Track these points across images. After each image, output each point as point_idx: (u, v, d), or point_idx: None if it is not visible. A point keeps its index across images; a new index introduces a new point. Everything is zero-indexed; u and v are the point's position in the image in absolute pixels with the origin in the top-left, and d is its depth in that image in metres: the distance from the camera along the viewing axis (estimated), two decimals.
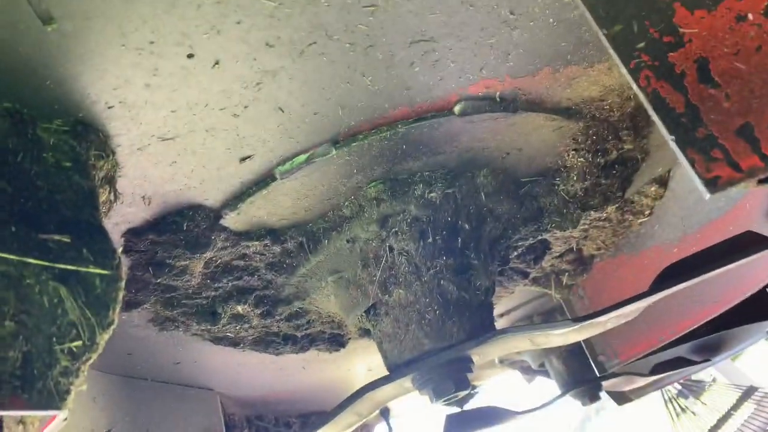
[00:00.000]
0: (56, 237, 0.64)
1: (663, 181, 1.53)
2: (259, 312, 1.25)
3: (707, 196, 0.53)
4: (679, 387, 4.83)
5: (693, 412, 4.68)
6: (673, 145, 0.54)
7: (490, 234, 1.24)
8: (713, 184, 0.53)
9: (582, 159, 1.22)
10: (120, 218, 0.90)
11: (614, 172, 1.30)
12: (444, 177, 1.09)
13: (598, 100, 1.10)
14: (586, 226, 1.48)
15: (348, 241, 1.13)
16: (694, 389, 4.89)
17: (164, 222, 0.94)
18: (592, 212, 1.36)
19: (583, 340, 1.76)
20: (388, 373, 1.22)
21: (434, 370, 1.17)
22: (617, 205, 1.40)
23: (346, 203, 1.08)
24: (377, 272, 1.15)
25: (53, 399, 0.63)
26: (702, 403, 4.65)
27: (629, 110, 1.15)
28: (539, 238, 1.42)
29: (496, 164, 1.15)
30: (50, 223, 0.65)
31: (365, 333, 1.33)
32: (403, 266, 1.14)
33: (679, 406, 4.62)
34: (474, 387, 2.93)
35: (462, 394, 1.19)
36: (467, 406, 2.97)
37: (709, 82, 0.55)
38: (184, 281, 1.07)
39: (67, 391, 0.65)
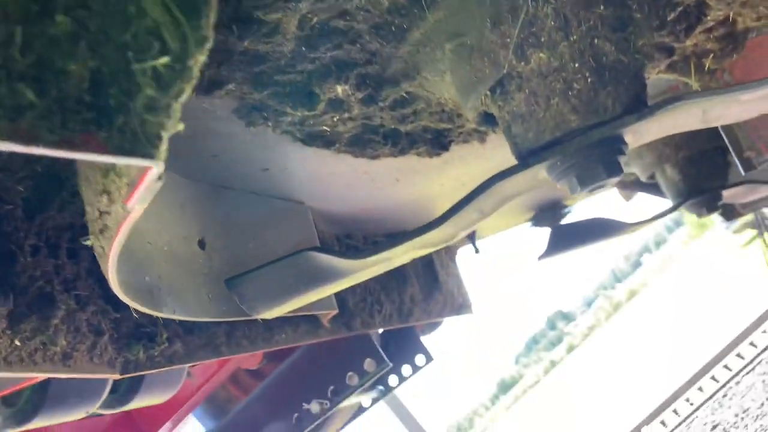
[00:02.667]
0: None
1: None
2: (361, 96, 1.04)
3: None
4: None
5: None
6: None
7: None
8: None
9: None
10: None
11: None
12: None
13: None
14: None
15: None
16: None
17: None
18: None
19: (727, 135, 1.49)
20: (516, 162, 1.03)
21: (579, 153, 0.96)
22: None
23: None
24: (514, 30, 0.90)
25: (139, 141, 0.45)
26: None
27: None
28: None
29: None
30: None
31: (485, 121, 1.11)
32: (548, 20, 0.88)
33: None
34: (566, 207, 2.76)
35: (613, 181, 0.99)
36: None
37: None
38: (276, 45, 0.85)
39: (158, 135, 0.46)
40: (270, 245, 1.43)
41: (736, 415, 3.57)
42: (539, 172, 1.01)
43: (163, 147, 0.47)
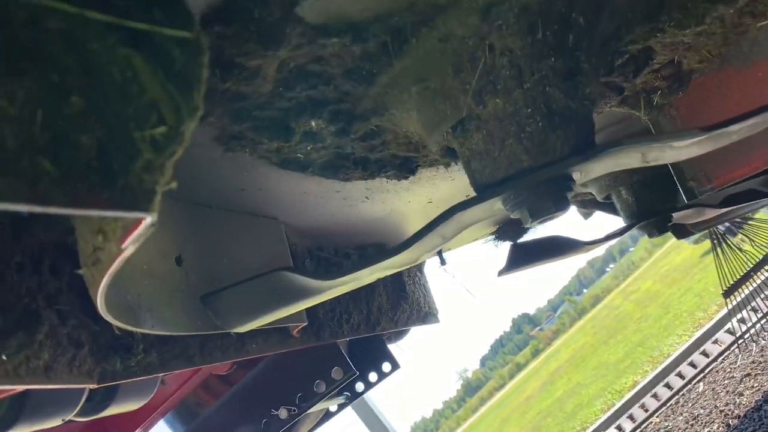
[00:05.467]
0: None
1: None
2: (333, 129, 1.12)
3: None
4: (728, 224, 4.76)
5: (739, 249, 4.64)
6: None
7: (603, 33, 1.05)
8: None
9: None
10: None
11: None
12: None
13: None
14: (703, 27, 1.26)
15: (440, 40, 0.96)
16: (742, 225, 4.80)
17: (232, 7, 0.78)
18: (719, 6, 1.14)
19: (672, 166, 1.61)
20: (475, 194, 1.12)
21: (530, 189, 1.05)
22: (746, 3, 1.17)
23: None
24: (472, 78, 0.99)
25: (137, 198, 0.52)
26: (751, 239, 4.58)
27: None
28: (649, 42, 1.22)
29: None
30: None
31: (447, 154, 1.20)
32: (504, 70, 0.98)
33: (727, 244, 4.57)
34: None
35: (561, 214, 1.08)
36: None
37: None
38: (256, 86, 0.93)
39: (153, 191, 0.54)
40: (244, 260, 1.50)
41: (687, 422, 3.74)
42: (495, 203, 1.10)
43: (157, 200, 0.54)
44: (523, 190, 1.05)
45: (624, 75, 1.34)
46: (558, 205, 1.06)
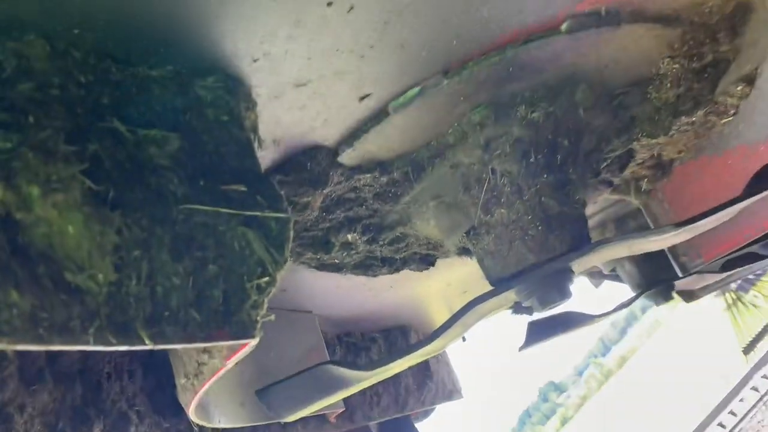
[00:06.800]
0: (234, 187, 0.70)
1: (750, 79, 1.50)
2: (365, 239, 1.32)
3: None
4: (739, 281, 4.86)
5: (754, 305, 4.73)
6: None
7: (585, 148, 1.27)
8: None
9: (677, 65, 1.21)
10: None
11: (706, 75, 1.29)
12: (545, 96, 1.11)
13: (700, 4, 1.08)
14: (672, 132, 1.48)
15: (451, 167, 1.18)
16: (754, 282, 4.90)
17: (290, 162, 1.00)
18: (683, 117, 1.36)
19: None
20: (490, 287, 1.30)
21: (538, 281, 1.24)
22: (707, 109, 1.39)
23: (450, 131, 1.12)
24: (480, 195, 1.20)
25: (247, 329, 0.72)
26: (764, 295, 4.67)
27: (729, 11, 1.13)
28: (627, 147, 1.44)
29: (594, 78, 1.16)
30: (224, 174, 0.71)
31: (463, 252, 1.40)
32: (505, 187, 1.19)
33: (740, 301, 4.66)
34: None
35: (566, 301, 1.26)
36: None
37: None
38: (305, 216, 1.14)
39: (256, 321, 0.73)
40: (287, 353, 1.67)
41: None
42: (509, 294, 1.28)
43: (259, 327, 0.74)
44: (531, 283, 1.24)
45: (611, 172, 1.56)
46: (562, 294, 1.24)
